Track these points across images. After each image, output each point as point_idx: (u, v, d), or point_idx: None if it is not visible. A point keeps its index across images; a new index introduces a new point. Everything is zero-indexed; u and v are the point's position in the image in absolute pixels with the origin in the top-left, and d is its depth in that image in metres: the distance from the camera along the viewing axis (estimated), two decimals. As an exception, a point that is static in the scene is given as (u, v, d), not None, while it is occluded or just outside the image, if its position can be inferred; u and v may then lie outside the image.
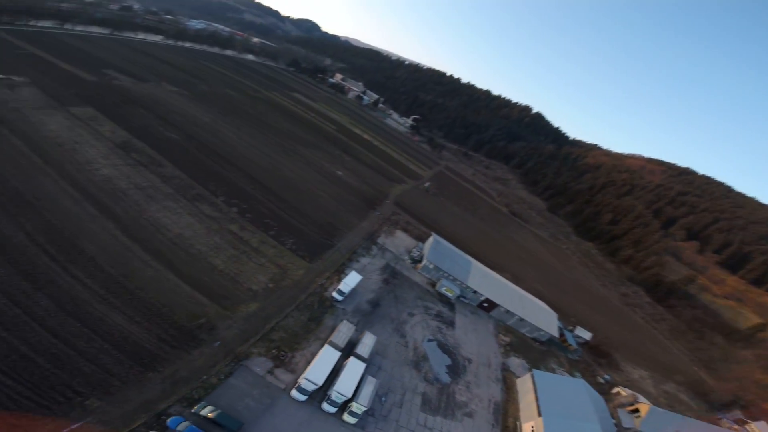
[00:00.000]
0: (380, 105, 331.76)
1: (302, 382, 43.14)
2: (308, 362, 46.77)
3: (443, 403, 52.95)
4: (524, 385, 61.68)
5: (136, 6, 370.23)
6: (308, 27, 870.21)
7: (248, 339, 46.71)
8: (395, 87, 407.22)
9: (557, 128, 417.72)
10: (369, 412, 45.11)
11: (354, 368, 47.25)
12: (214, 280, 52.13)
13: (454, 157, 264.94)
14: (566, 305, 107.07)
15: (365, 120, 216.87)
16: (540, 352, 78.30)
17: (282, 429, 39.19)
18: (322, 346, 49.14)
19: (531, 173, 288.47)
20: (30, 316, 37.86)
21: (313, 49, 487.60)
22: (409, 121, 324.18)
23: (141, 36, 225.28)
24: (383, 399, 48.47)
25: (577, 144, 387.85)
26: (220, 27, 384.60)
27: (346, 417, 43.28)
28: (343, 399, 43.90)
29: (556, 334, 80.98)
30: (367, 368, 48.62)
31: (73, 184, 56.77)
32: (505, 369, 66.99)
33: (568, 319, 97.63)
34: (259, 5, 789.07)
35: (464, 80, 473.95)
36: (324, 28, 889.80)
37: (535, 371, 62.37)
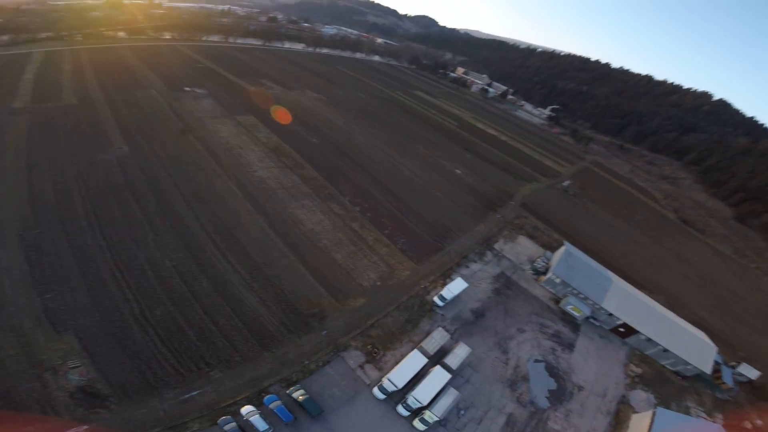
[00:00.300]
0: (509, 96, 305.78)
1: (384, 381, 43.88)
2: (396, 363, 46.86)
3: (530, 429, 45.74)
4: (639, 422, 49.63)
5: (280, 16, 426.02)
6: (426, 23, 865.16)
7: (350, 332, 48.86)
8: (527, 77, 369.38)
9: (751, 118, 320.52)
10: (441, 423, 43.25)
11: (437, 377, 45.96)
12: (333, 273, 55.71)
13: (605, 151, 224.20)
14: (739, 337, 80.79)
15: (490, 114, 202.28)
16: (678, 388, 60.57)
17: (356, 422, 40.40)
18: (412, 349, 48.74)
19: (713, 172, 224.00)
20: (192, 294, 46.45)
21: (433, 44, 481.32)
22: (546, 111, 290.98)
23: (287, 45, 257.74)
24: (462, 413, 45.48)
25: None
26: (349, 31, 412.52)
27: (417, 423, 42.31)
28: (418, 405, 43.20)
29: (707, 369, 61.82)
30: (452, 379, 46.84)
31: (237, 184, 66.01)
32: (622, 402, 54.17)
33: (734, 353, 73.27)
34: (379, 6, 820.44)
35: (614, 65, 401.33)
36: (442, 23, 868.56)
37: (660, 409, 49.83)
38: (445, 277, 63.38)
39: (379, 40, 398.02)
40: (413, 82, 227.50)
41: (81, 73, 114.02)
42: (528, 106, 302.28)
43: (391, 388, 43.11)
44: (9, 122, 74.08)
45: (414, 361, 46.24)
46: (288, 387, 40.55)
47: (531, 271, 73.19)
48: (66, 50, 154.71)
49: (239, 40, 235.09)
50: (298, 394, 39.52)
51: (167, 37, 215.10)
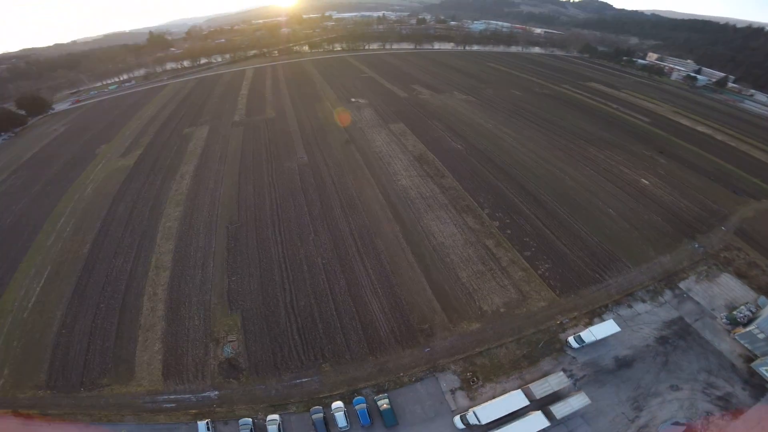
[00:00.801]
0: (730, 85, 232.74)
1: (469, 412, 40.33)
2: (492, 397, 42.25)
3: None
4: None
5: (428, 17, 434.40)
6: (596, 7, 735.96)
7: (453, 354, 46.35)
8: (755, 60, 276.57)
9: None
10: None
11: (531, 424, 39.61)
12: (453, 291, 53.61)
13: None
14: None
15: (701, 106, 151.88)
16: None
17: (426, 445, 37.58)
18: (518, 387, 42.80)
19: None
20: (330, 291, 52.24)
21: (610, 29, 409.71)
22: None
23: (436, 46, 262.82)
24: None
25: None
26: (500, 24, 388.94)
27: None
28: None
29: None
30: (549, 428, 39.82)
31: (383, 193, 71.70)
32: None
33: None
34: None
35: None
36: (619, 5, 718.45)
37: None
38: (594, 316, 52.56)
39: (538, 30, 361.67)
40: (586, 73, 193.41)
41: (278, 88, 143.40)
42: (762, 96, 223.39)
43: (473, 421, 39.66)
44: (230, 133, 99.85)
45: (512, 400, 41.18)
46: (377, 393, 42.22)
47: (725, 320, 54.91)
48: (267, 66, 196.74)
49: (394, 46, 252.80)
50: (382, 403, 40.87)
51: (338, 48, 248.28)
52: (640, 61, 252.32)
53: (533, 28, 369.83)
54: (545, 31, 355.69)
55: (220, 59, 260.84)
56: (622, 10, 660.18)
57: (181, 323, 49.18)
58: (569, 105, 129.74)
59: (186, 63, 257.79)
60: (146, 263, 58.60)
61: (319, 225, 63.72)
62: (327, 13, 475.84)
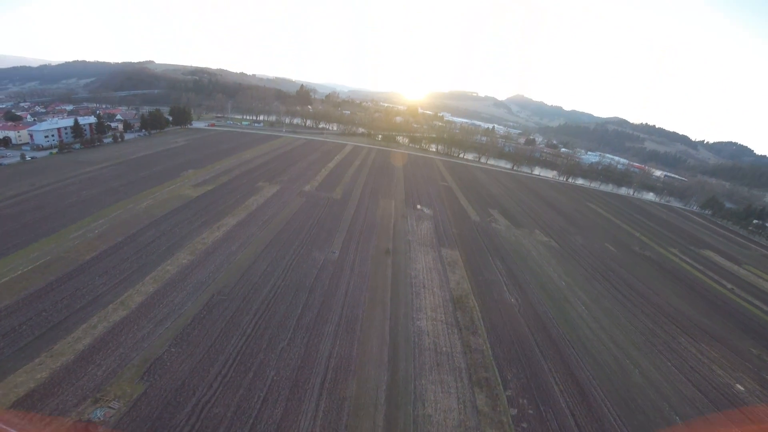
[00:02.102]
0: None
1: None
2: None
3: None
4: None
5: (539, 139, 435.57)
6: (733, 151, 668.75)
7: None
8: None
9: None
10: None
11: None
12: None
13: None
14: None
15: None
16: None
17: None
18: None
19: None
20: (256, 416, 38.13)
21: (744, 180, 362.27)
22: None
23: (536, 171, 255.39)
24: None
25: None
26: (616, 159, 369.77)
27: None
28: None
29: None
30: None
31: (391, 327, 60.08)
32: None
33: None
34: (662, 131, 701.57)
35: None
36: (760, 151, 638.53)
37: None
38: None
39: (658, 173, 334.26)
40: (702, 236, 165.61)
41: (360, 171, 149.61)
42: None
43: None
44: (291, 201, 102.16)
45: None
46: None
47: None
48: (365, 147, 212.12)
49: (490, 161, 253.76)
50: None
51: (433, 149, 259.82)
52: None
53: (653, 170, 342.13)
54: (666, 175, 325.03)
55: (335, 128, 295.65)
56: (764, 156, 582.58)
57: (91, 363, 44.09)
58: (670, 276, 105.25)
59: (309, 122, 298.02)
60: (117, 295, 56.43)
61: (300, 336, 54.08)
62: (440, 113, 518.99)
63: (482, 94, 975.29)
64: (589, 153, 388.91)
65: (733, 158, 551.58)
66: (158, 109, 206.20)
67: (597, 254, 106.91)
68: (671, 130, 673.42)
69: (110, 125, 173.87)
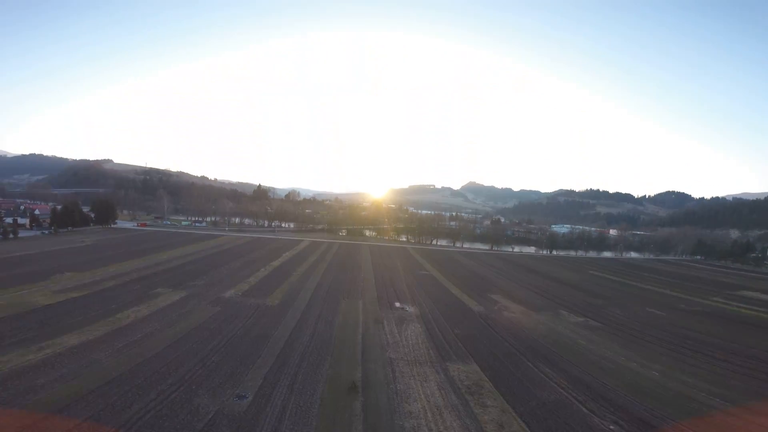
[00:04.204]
0: None
1: None
2: None
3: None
4: None
5: (502, 220, 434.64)
6: (674, 200, 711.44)
7: None
8: None
9: None
10: None
11: None
12: None
13: None
14: None
15: None
16: None
17: None
18: None
19: None
20: None
21: (701, 224, 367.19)
22: None
23: (516, 249, 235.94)
24: None
25: None
26: (584, 228, 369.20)
27: None
28: None
29: None
30: None
31: None
32: None
33: None
34: (606, 193, 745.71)
35: None
36: (697, 194, 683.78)
37: None
38: None
39: (612, 232, 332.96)
40: (721, 279, 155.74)
41: (316, 266, 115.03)
42: None
43: None
44: (195, 312, 63.23)
45: None
46: None
47: None
48: (325, 242, 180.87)
49: (466, 245, 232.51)
50: None
51: (403, 239, 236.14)
52: None
53: (624, 230, 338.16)
54: (633, 233, 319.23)
55: (292, 225, 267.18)
56: (702, 198, 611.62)
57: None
58: (742, 324, 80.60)
59: (265, 222, 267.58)
60: None
61: None
62: (404, 207, 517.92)
63: (439, 186, 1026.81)
64: (555, 226, 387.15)
65: (676, 206, 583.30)
66: (76, 203, 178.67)
67: (652, 323, 74.76)
68: (614, 191, 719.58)
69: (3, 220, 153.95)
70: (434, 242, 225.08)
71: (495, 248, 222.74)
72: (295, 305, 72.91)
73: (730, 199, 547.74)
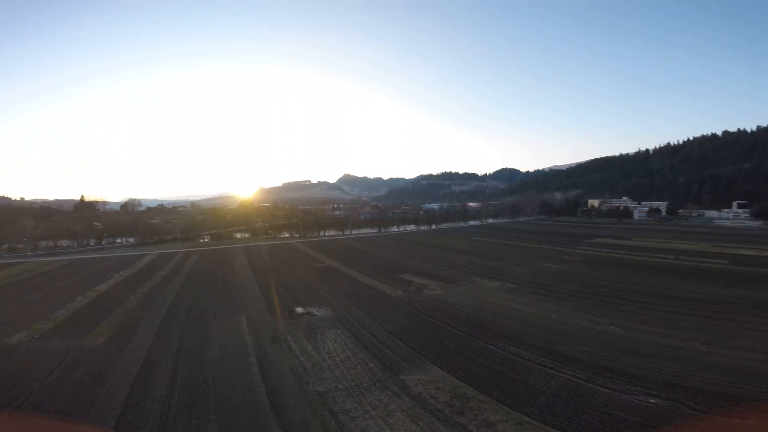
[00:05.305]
0: (680, 212, 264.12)
1: None
2: None
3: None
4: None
5: (380, 205, 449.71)
6: (507, 174, 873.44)
7: None
8: (669, 185, 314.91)
9: None
10: None
11: None
12: None
13: None
14: None
15: (709, 235, 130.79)
16: None
17: None
18: None
19: None
20: None
21: (533, 190, 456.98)
22: (740, 211, 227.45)
23: (402, 228, 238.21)
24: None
25: None
26: (447, 204, 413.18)
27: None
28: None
29: None
30: None
31: None
32: None
33: None
34: (457, 174, 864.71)
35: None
36: (523, 169, 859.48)
37: None
38: None
39: (471, 204, 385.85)
40: (575, 231, 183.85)
41: (167, 284, 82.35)
42: (713, 213, 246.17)
43: None
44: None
45: None
46: None
47: None
48: (179, 252, 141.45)
49: (354, 231, 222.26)
50: None
51: (285, 235, 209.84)
52: (595, 208, 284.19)
53: (470, 204, 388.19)
54: (487, 204, 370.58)
55: (132, 239, 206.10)
56: (528, 172, 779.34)
57: None
58: (618, 266, 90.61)
59: (92, 241, 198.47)
60: None
61: None
62: (281, 205, 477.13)
63: (315, 181, 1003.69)
64: (425, 205, 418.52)
65: (510, 180, 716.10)
66: None
67: (557, 276, 76.00)
68: (463, 172, 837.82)
69: None
70: (322, 233, 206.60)
71: (383, 230, 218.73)
72: (134, 342, 45.24)
73: (548, 170, 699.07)
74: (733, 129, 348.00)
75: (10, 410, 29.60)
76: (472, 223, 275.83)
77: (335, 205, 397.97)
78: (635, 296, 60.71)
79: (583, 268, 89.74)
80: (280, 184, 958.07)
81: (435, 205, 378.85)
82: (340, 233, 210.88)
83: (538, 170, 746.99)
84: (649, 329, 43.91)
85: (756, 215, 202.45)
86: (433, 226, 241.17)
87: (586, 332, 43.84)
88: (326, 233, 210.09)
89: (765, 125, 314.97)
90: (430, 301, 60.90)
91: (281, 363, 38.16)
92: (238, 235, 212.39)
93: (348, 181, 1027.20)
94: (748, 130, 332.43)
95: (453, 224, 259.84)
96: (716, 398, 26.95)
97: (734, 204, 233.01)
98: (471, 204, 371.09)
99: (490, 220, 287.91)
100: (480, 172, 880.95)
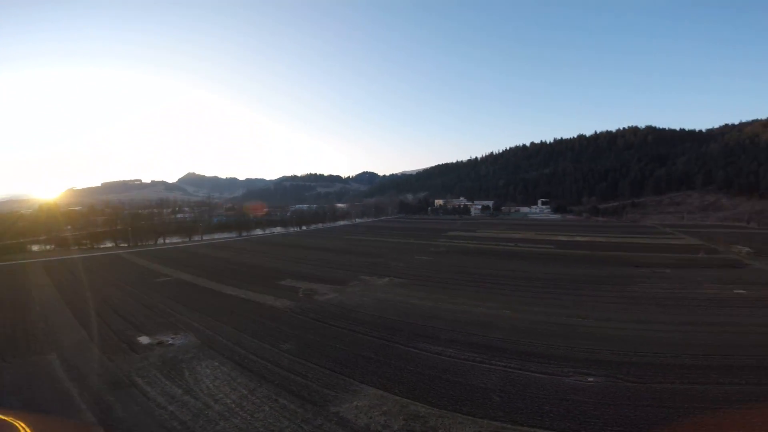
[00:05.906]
0: (504, 208, 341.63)
1: None
2: None
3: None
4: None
5: (235, 207, 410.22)
6: (368, 177, 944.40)
7: None
8: (493, 187, 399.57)
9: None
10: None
11: None
12: None
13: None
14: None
15: (544, 226, 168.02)
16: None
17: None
18: None
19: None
20: None
21: (391, 193, 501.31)
22: (544, 207, 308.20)
23: (269, 231, 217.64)
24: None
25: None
26: (315, 205, 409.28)
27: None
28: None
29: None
30: None
31: None
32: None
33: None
34: (322, 176, 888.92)
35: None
36: (381, 173, 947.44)
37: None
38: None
39: (339, 205, 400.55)
40: (431, 226, 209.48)
41: None
42: (526, 209, 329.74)
43: None
44: None
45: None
46: None
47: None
48: None
49: (206, 237, 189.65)
50: None
51: (109, 245, 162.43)
52: (442, 206, 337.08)
53: (336, 205, 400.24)
54: (348, 205, 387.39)
55: None
56: (384, 176, 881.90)
57: None
58: (491, 255, 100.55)
59: None
60: None
61: None
62: (101, 208, 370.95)
63: (148, 180, 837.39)
64: (293, 207, 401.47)
65: (370, 183, 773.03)
66: None
67: (436, 267, 79.48)
68: (328, 174, 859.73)
69: None
70: (161, 241, 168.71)
71: (244, 234, 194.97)
72: None
73: (400, 175, 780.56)
74: (537, 141, 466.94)
75: None
76: (341, 222, 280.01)
77: (177, 208, 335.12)
78: (504, 280, 68.42)
79: (451, 258, 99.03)
80: (99, 184, 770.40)
81: (304, 206, 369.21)
82: (187, 239, 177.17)
83: (393, 174, 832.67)
84: (535, 309, 48.69)
85: (555, 210, 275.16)
86: (304, 228, 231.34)
87: (487, 319, 45.24)
88: (167, 240, 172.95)
89: (560, 137, 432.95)
90: (327, 307, 53.48)
91: (140, 422, 24.64)
92: (36, 248, 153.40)
93: (193, 180, 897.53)
94: (548, 142, 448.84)
95: (323, 225, 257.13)
96: (645, 369, 29.44)
97: (539, 201, 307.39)
98: (339, 205, 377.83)
99: (358, 220, 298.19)
100: (344, 174, 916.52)
